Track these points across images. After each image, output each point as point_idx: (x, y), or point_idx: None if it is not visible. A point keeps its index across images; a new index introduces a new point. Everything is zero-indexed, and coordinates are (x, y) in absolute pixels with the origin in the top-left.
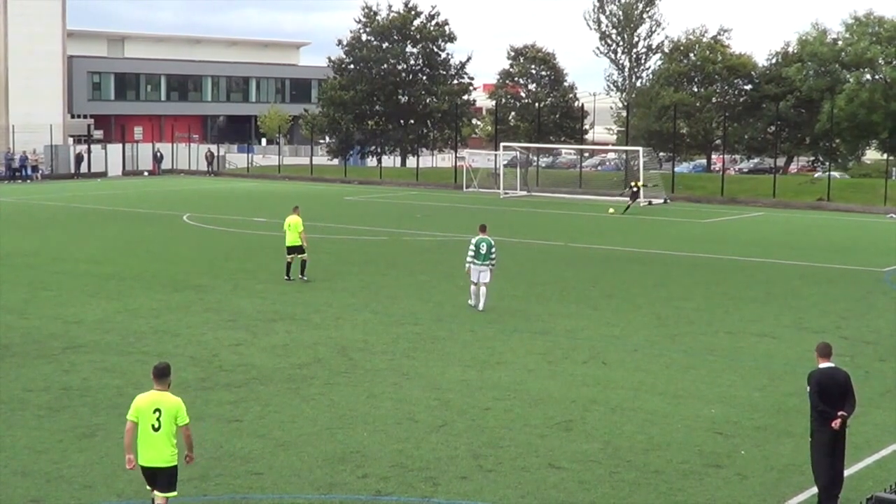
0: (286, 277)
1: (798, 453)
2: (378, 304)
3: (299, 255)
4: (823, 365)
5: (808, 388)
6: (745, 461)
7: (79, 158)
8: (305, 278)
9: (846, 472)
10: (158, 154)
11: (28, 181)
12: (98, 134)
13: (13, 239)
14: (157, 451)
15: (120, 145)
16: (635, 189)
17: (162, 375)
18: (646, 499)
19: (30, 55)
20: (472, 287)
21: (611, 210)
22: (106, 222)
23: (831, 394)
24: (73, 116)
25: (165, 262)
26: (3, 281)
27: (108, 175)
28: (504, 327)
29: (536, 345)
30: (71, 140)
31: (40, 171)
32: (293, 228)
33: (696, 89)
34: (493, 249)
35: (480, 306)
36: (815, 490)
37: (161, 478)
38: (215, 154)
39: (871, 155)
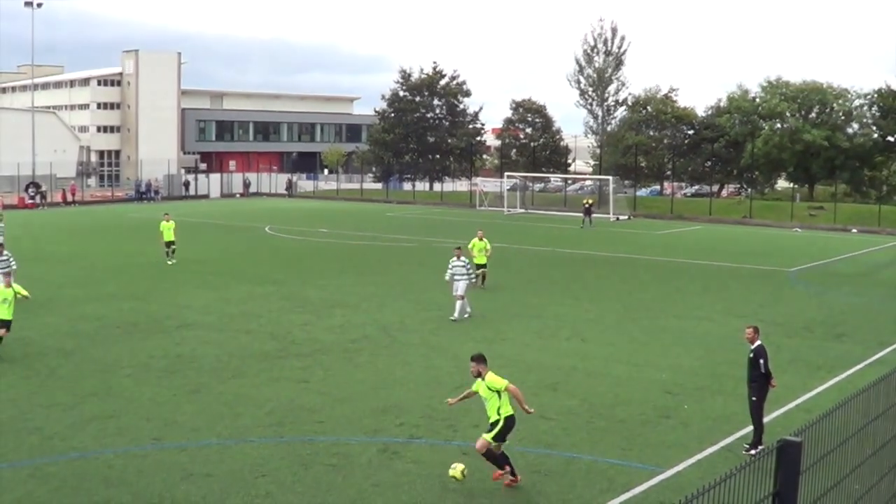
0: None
1: (726, 407)
2: (412, 294)
3: (482, 270)
4: (758, 343)
5: (761, 360)
6: (687, 413)
7: (186, 184)
8: (484, 286)
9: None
10: (247, 181)
11: (151, 201)
12: (203, 166)
13: (138, 245)
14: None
15: (219, 174)
16: (587, 205)
17: (480, 360)
18: (613, 441)
19: (154, 108)
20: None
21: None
22: (208, 232)
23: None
24: (184, 153)
25: (252, 263)
26: (133, 276)
27: (210, 197)
28: (506, 313)
29: (531, 326)
30: (183, 170)
31: (160, 194)
32: (476, 248)
33: (651, 133)
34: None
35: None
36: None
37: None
38: (292, 181)
39: (782, 184)
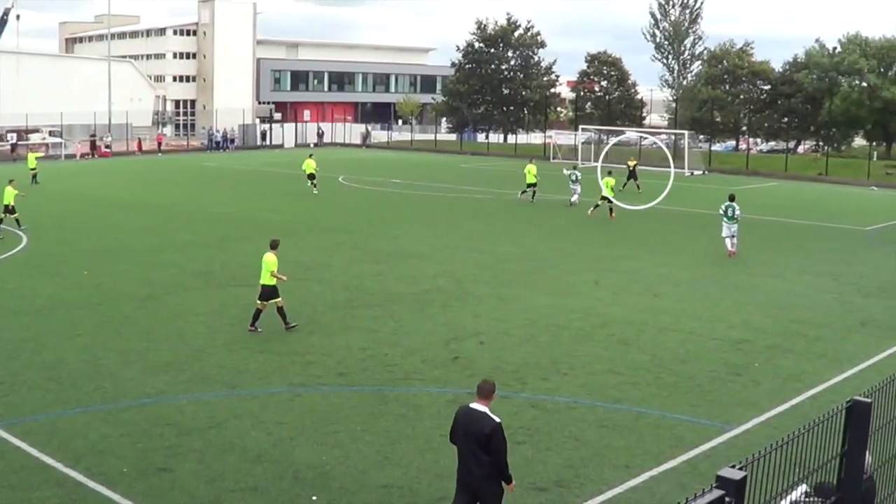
0: None
1: (797, 365)
2: (484, 246)
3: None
4: None
5: None
6: (758, 371)
7: (263, 134)
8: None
9: (830, 382)
10: (321, 131)
11: (225, 151)
12: (277, 116)
13: (213, 194)
14: None
15: (293, 124)
16: (631, 167)
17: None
18: (682, 397)
19: (229, 58)
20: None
21: None
22: (281, 182)
23: None
24: (259, 103)
25: (325, 212)
26: (207, 226)
27: (284, 147)
28: (578, 266)
29: (604, 280)
30: (258, 120)
31: (234, 144)
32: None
33: (727, 88)
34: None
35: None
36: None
37: None
38: (367, 132)
39: (858, 142)
